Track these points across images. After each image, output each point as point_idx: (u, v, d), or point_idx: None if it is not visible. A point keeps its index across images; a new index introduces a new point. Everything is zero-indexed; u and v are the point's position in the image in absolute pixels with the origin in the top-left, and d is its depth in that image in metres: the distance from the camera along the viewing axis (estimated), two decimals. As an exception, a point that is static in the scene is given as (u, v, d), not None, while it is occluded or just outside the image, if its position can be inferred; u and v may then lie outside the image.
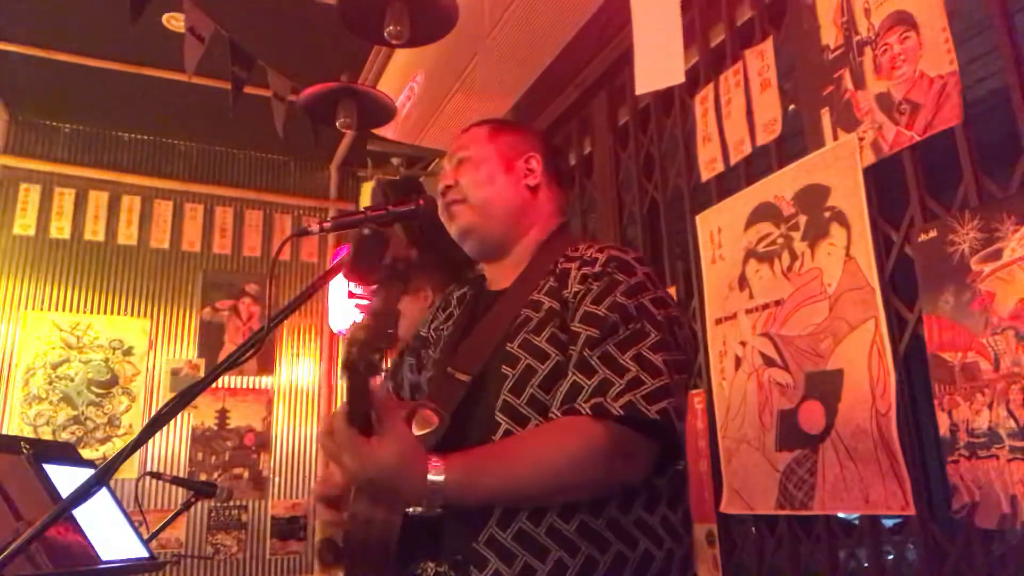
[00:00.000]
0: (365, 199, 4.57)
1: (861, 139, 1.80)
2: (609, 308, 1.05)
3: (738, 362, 2.10)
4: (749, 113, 2.18)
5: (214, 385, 0.86)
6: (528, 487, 0.99)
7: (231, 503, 4.09)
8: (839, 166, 1.85)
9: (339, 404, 4.50)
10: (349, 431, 0.91)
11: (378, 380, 0.88)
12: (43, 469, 1.69)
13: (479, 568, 1.01)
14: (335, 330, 4.39)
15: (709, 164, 2.33)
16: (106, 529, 1.77)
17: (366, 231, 0.89)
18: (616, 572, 1.00)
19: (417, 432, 1.03)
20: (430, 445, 1.01)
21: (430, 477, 0.91)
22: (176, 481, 2.65)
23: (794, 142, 2.05)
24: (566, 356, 1.06)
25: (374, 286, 0.87)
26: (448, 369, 1.14)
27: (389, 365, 0.89)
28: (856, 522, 1.80)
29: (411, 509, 0.95)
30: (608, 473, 0.99)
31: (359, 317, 0.88)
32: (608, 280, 1.08)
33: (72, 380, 3.96)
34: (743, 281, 2.12)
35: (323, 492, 1.21)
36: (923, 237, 1.63)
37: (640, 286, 1.09)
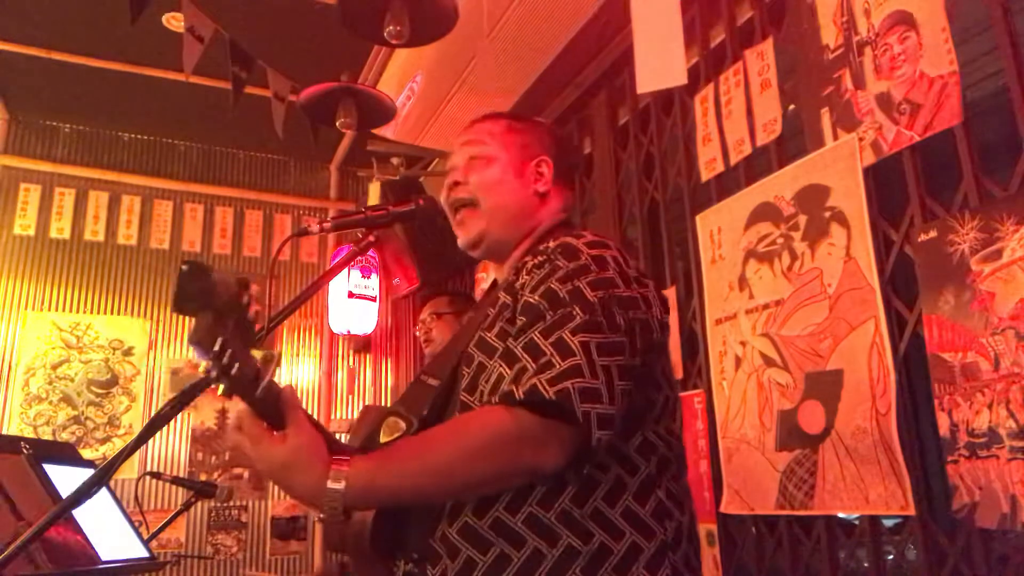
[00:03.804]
0: (373, 199, 4.57)
1: (861, 139, 1.80)
2: (541, 295, 1.02)
3: (738, 362, 2.10)
4: (749, 113, 2.18)
5: (214, 385, 0.86)
6: (425, 487, 0.95)
7: (231, 503, 4.09)
8: (839, 166, 1.85)
9: (338, 403, 4.45)
10: (256, 423, 0.91)
11: (250, 372, 0.83)
12: (43, 469, 1.69)
13: (432, 564, 1.00)
14: (335, 330, 4.39)
15: (709, 164, 2.33)
16: (106, 529, 1.77)
17: (184, 266, 0.77)
18: (565, 565, 0.95)
19: (385, 438, 1.02)
20: None
21: (330, 484, 0.89)
22: (176, 481, 2.64)
23: (794, 142, 2.05)
24: None
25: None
26: (422, 375, 1.14)
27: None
28: (856, 522, 1.80)
29: (317, 516, 0.92)
30: (514, 462, 0.94)
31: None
32: (549, 267, 1.05)
33: (72, 380, 3.95)
34: (743, 281, 2.11)
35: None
36: (923, 237, 1.63)
37: (580, 269, 1.03)
